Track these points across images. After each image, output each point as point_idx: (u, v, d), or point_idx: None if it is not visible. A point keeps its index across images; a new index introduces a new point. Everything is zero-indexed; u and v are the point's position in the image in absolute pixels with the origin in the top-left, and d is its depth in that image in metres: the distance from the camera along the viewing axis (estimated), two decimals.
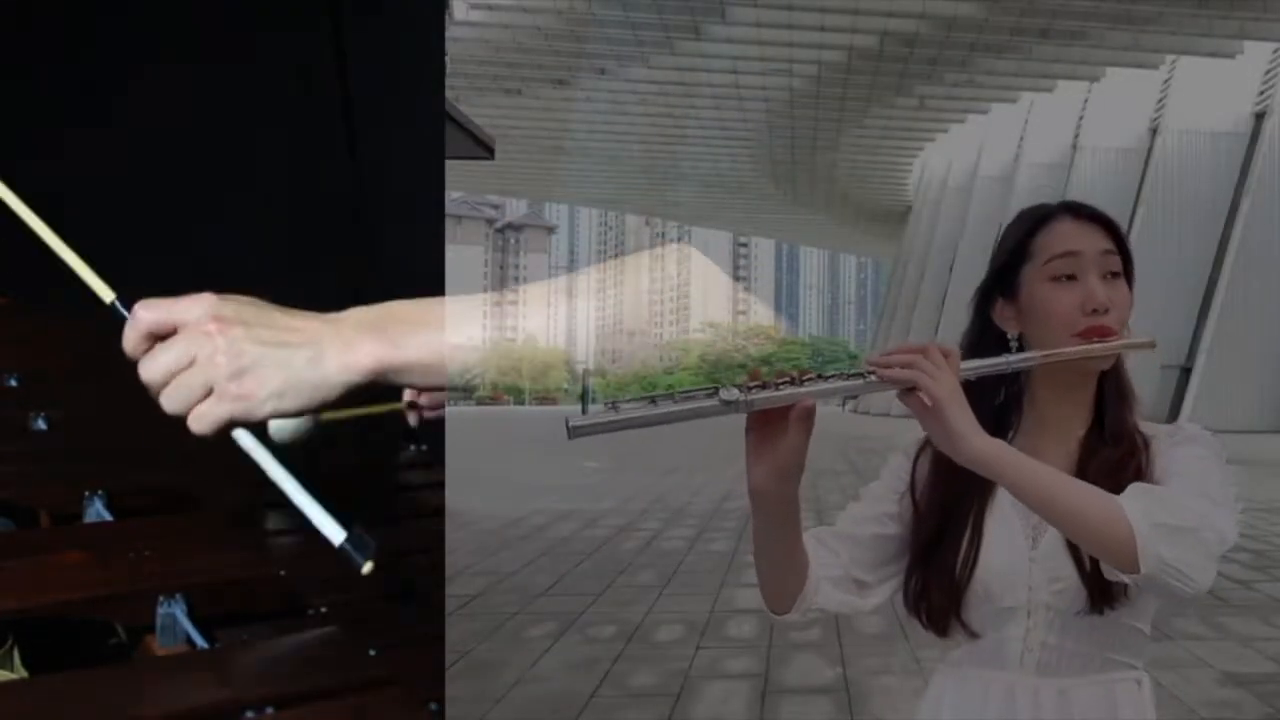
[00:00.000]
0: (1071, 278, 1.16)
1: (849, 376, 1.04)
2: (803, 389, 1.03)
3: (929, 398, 1.02)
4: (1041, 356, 1.13)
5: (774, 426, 1.05)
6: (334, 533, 1.25)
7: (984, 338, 1.21)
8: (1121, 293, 1.17)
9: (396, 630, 1.35)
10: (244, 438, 1.26)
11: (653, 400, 1.00)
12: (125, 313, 1.25)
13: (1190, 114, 35.26)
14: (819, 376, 1.04)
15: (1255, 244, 32.48)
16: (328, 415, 1.49)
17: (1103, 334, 1.14)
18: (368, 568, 1.21)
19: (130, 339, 1.23)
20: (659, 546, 8.27)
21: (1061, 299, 1.16)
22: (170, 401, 1.21)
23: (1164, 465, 1.14)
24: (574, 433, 0.98)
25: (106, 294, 1.31)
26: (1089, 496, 1.02)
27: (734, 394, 1.00)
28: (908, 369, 1.03)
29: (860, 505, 1.25)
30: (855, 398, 58.84)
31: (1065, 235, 1.18)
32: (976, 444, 1.03)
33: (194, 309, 1.22)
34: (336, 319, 1.30)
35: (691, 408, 1.00)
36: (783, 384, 1.02)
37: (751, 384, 1.02)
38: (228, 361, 1.21)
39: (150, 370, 1.21)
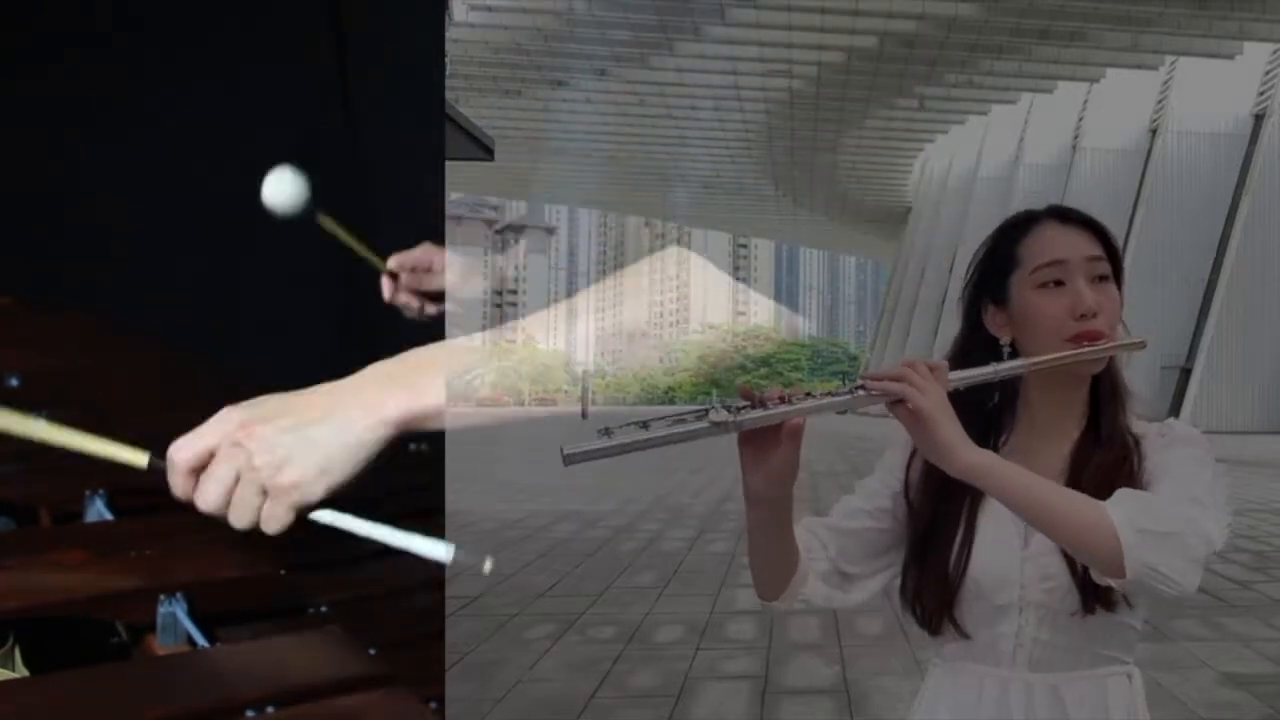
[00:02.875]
0: (1059, 284, 1.17)
1: (837, 392, 1.07)
2: (792, 407, 1.06)
3: (916, 411, 1.05)
4: (1028, 364, 1.15)
5: (766, 440, 1.09)
6: (443, 553, 1.37)
7: (975, 343, 1.22)
8: (1110, 296, 1.18)
9: (396, 630, 1.36)
10: (324, 516, 1.33)
11: (645, 425, 1.02)
12: (162, 464, 1.31)
13: (1190, 115, 35.26)
14: (807, 394, 1.07)
15: (1255, 244, 32.49)
16: None
17: (1092, 338, 1.15)
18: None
19: (177, 484, 1.30)
20: (659, 547, 8.27)
21: (1050, 305, 1.17)
22: (238, 520, 1.28)
23: (1154, 465, 1.15)
24: (568, 460, 1.01)
25: (141, 459, 1.35)
26: (1076, 504, 1.05)
27: (723, 415, 1.03)
28: (896, 382, 1.05)
29: (854, 498, 1.26)
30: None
31: (1051, 242, 1.19)
32: (964, 456, 1.05)
33: (219, 429, 1.29)
34: (356, 381, 1.34)
35: (683, 430, 1.03)
36: (772, 402, 1.05)
37: (741, 404, 1.05)
38: (265, 463, 1.27)
39: (206, 502, 1.27)
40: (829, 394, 1.07)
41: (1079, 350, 1.15)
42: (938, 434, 1.05)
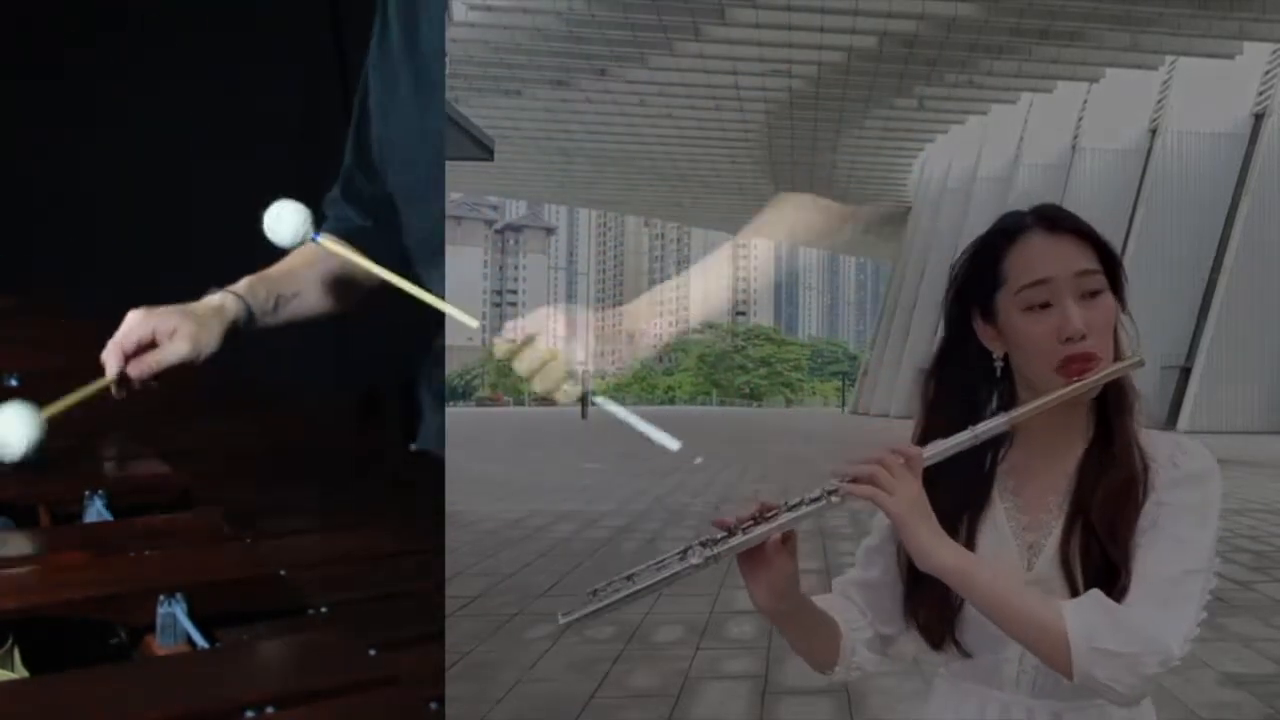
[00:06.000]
0: (1046, 305, 1.11)
1: (811, 501, 1.08)
2: (768, 525, 1.08)
3: (887, 514, 1.07)
4: (1011, 418, 1.11)
5: (759, 554, 1.11)
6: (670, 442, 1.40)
7: (968, 353, 1.18)
8: (1102, 311, 1.12)
9: (396, 630, 1.35)
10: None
11: (630, 578, 1.08)
12: None
13: (1190, 115, 35.25)
14: (783, 508, 1.09)
15: (1255, 244, 32.47)
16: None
17: (1083, 361, 1.10)
18: None
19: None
20: (658, 547, 8.25)
21: (1036, 331, 1.11)
22: None
23: (1157, 506, 1.10)
24: (565, 626, 1.08)
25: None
26: (1034, 610, 1.05)
27: (700, 554, 1.07)
28: (867, 484, 1.07)
29: (869, 538, 1.25)
30: (855, 398, 58.39)
31: (1036, 259, 1.12)
32: (936, 558, 1.06)
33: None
34: None
35: (667, 576, 1.08)
36: (748, 525, 1.08)
37: (718, 537, 1.08)
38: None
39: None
40: (802, 503, 1.09)
41: (1066, 390, 1.10)
42: (907, 537, 1.07)
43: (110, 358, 1.70)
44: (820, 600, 1.23)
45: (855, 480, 1.07)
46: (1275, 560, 7.67)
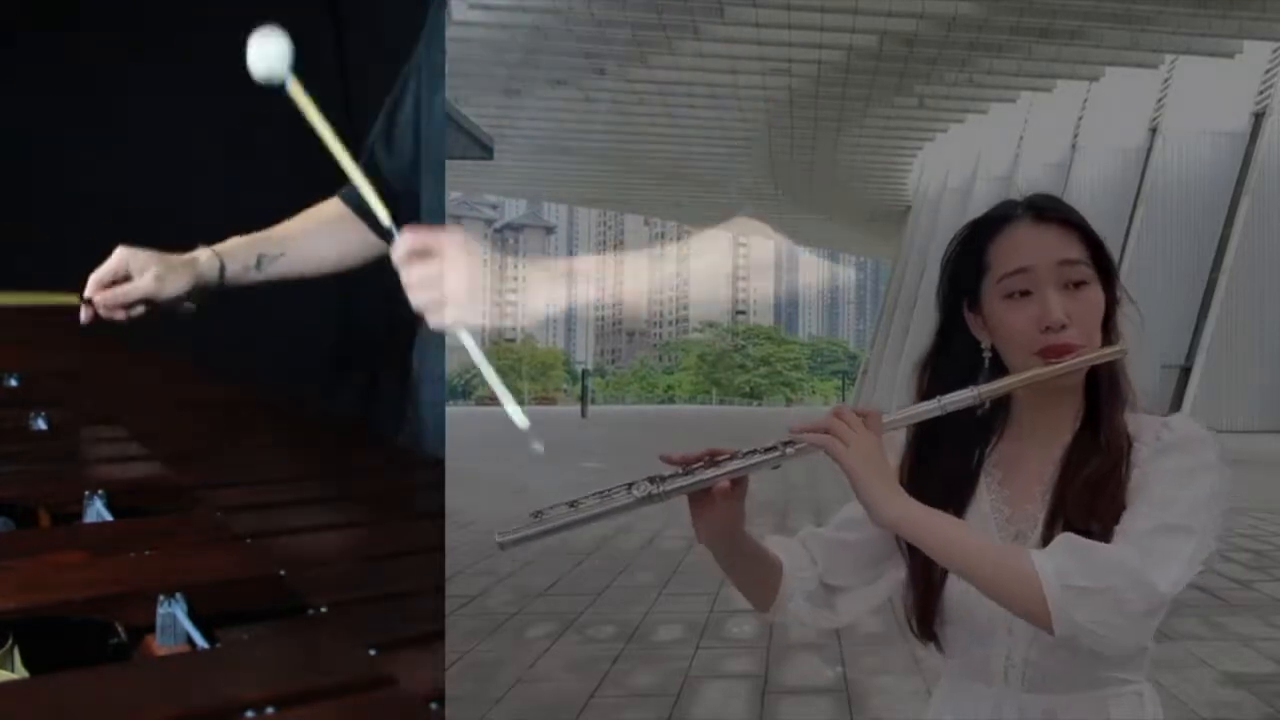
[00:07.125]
0: (1026, 293, 1.11)
1: (765, 450, 1.09)
2: (716, 471, 1.09)
3: (839, 465, 1.05)
4: (979, 393, 1.10)
5: (707, 495, 1.11)
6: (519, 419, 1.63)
7: (958, 344, 1.19)
8: (1086, 302, 1.11)
9: (396, 630, 1.35)
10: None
11: (574, 504, 1.08)
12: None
13: (1190, 114, 35.23)
14: (733, 455, 1.09)
15: (1255, 244, 32.47)
16: None
17: (1061, 353, 1.09)
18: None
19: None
20: (658, 546, 8.26)
21: (1016, 319, 1.11)
22: None
23: (1139, 477, 1.09)
24: (503, 545, 1.09)
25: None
26: (1001, 558, 1.03)
27: (645, 488, 1.08)
28: (821, 435, 1.06)
29: (851, 505, 1.23)
30: (856, 394, 58.55)
31: (1018, 247, 1.12)
32: (887, 511, 1.05)
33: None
34: None
35: (611, 507, 1.08)
36: (697, 467, 1.09)
37: (666, 475, 1.09)
38: None
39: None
40: (756, 451, 1.09)
41: (1038, 371, 1.10)
42: (859, 489, 1.06)
43: (89, 288, 1.92)
44: (772, 541, 1.24)
45: (812, 432, 1.07)
46: (1275, 559, 7.67)
